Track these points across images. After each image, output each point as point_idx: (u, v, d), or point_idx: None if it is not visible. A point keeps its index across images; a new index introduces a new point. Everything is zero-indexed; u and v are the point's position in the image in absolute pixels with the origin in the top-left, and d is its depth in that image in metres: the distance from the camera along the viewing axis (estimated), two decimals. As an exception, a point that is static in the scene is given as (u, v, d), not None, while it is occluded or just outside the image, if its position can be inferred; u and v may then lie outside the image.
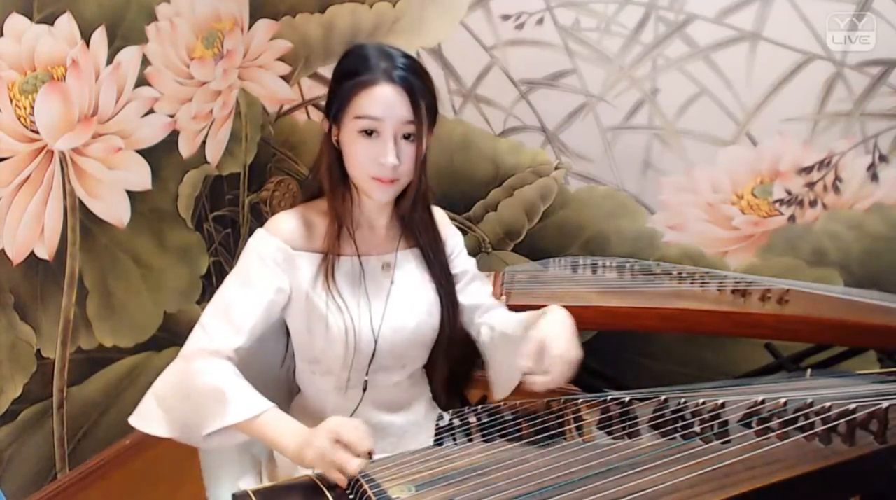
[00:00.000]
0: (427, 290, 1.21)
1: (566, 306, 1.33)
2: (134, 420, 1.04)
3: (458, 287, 1.28)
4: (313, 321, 1.13)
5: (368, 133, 1.06)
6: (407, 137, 1.08)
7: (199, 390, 1.00)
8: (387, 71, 1.06)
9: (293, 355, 1.24)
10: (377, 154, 1.06)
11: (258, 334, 1.09)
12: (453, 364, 1.28)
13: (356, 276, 1.16)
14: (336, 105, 1.09)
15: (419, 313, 1.19)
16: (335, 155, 1.13)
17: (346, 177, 1.14)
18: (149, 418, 1.03)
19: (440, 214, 1.28)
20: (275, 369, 1.29)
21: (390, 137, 1.06)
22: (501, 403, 1.10)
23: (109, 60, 1.91)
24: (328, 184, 1.14)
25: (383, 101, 1.05)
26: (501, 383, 1.22)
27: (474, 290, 1.30)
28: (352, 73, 1.07)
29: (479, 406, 1.10)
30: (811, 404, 1.03)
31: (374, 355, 1.15)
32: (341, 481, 0.87)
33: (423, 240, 1.22)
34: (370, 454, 0.90)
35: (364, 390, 1.17)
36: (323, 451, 0.88)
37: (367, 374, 1.16)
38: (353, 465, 0.86)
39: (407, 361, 1.21)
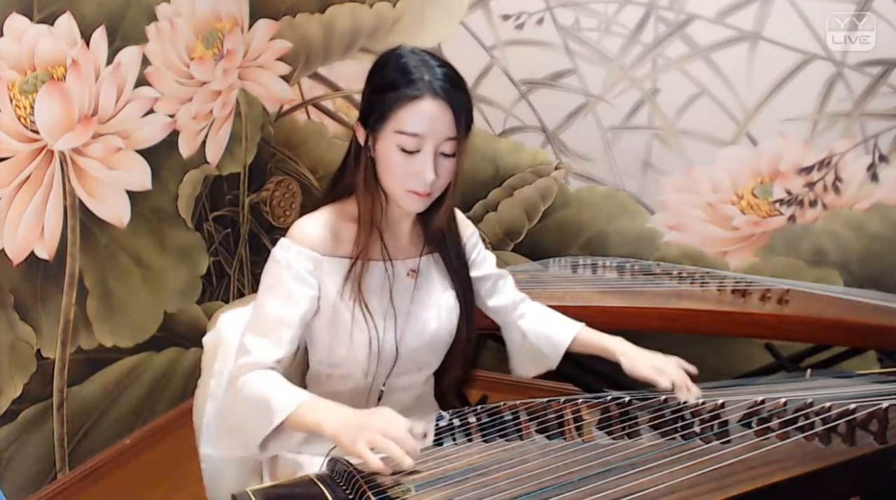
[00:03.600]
0: (447, 296, 1.21)
1: (566, 306, 1.34)
2: (206, 449, 1.14)
3: (486, 289, 1.30)
4: (338, 329, 1.12)
5: (409, 149, 1.04)
6: (445, 151, 1.06)
7: (246, 403, 1.02)
8: (430, 84, 1.02)
9: (303, 358, 1.24)
10: (417, 170, 1.04)
11: (296, 344, 1.10)
12: (467, 366, 1.30)
13: (384, 282, 1.15)
14: (375, 116, 1.06)
15: (440, 319, 1.19)
16: (370, 163, 1.10)
17: (377, 182, 1.11)
18: (217, 441, 1.13)
19: (457, 213, 1.27)
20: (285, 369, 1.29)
21: (430, 154, 1.04)
22: (501, 403, 1.11)
23: (109, 60, 1.91)
24: (362, 191, 1.11)
25: (426, 117, 1.02)
26: (524, 369, 1.37)
27: (502, 289, 1.33)
28: (392, 85, 1.04)
29: (479, 406, 1.10)
30: (811, 404, 1.03)
31: (395, 364, 1.15)
32: (383, 469, 0.87)
33: (446, 245, 1.21)
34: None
35: (379, 398, 1.18)
36: (359, 448, 0.88)
37: (384, 383, 1.17)
38: (407, 463, 0.86)
39: (423, 365, 1.22)
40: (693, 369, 1.19)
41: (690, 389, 1.14)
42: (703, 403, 1.07)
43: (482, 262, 1.30)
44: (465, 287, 1.23)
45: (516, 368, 1.37)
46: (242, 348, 1.07)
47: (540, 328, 1.32)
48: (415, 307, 1.17)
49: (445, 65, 1.06)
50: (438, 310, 1.19)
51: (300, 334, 1.10)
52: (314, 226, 1.12)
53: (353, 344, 1.12)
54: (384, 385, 1.17)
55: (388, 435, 0.88)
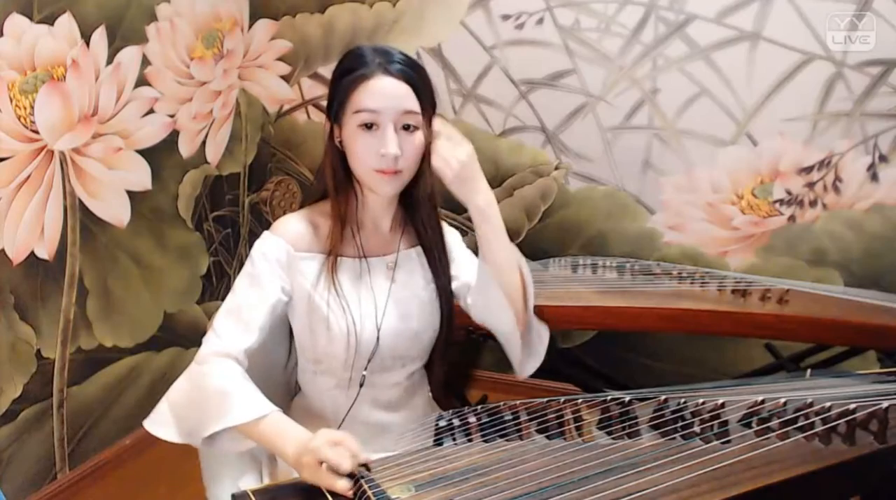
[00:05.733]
0: (429, 291, 1.21)
1: (566, 306, 1.33)
2: (148, 424, 1.06)
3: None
4: (315, 322, 1.13)
5: (368, 126, 1.08)
6: (406, 127, 1.09)
7: (205, 392, 1.01)
8: (381, 64, 1.08)
9: (296, 356, 1.25)
10: (378, 146, 1.07)
11: (268, 333, 1.11)
12: (451, 365, 1.28)
13: (359, 276, 1.16)
14: (336, 104, 1.11)
15: (421, 314, 1.19)
16: (338, 155, 1.14)
17: (350, 177, 1.14)
18: (161, 423, 1.05)
19: (454, 236, 1.28)
20: (278, 370, 1.29)
21: (390, 128, 1.07)
22: (501, 403, 1.11)
23: (109, 60, 1.91)
24: (331, 184, 1.14)
25: (380, 92, 1.07)
26: (512, 346, 1.20)
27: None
28: (348, 70, 1.09)
29: (479, 406, 1.10)
30: (811, 404, 1.03)
31: (374, 353, 1.15)
32: (343, 489, 0.87)
33: (428, 239, 1.21)
34: (367, 466, 0.90)
35: (361, 385, 1.17)
36: (311, 471, 0.89)
37: (364, 369, 1.16)
38: (340, 485, 0.86)
39: (407, 361, 1.21)
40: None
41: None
42: (703, 403, 1.07)
43: (470, 264, 1.26)
44: (445, 283, 1.22)
45: (508, 345, 1.23)
46: (213, 331, 1.09)
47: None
48: (394, 301, 1.17)
49: (403, 53, 1.11)
50: (420, 304, 1.19)
51: (270, 322, 1.11)
52: (294, 222, 1.15)
53: (331, 336, 1.13)
54: (365, 370, 1.16)
55: (320, 460, 0.88)
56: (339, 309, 1.12)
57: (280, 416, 0.99)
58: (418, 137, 1.10)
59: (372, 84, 1.07)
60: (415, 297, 1.19)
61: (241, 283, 1.12)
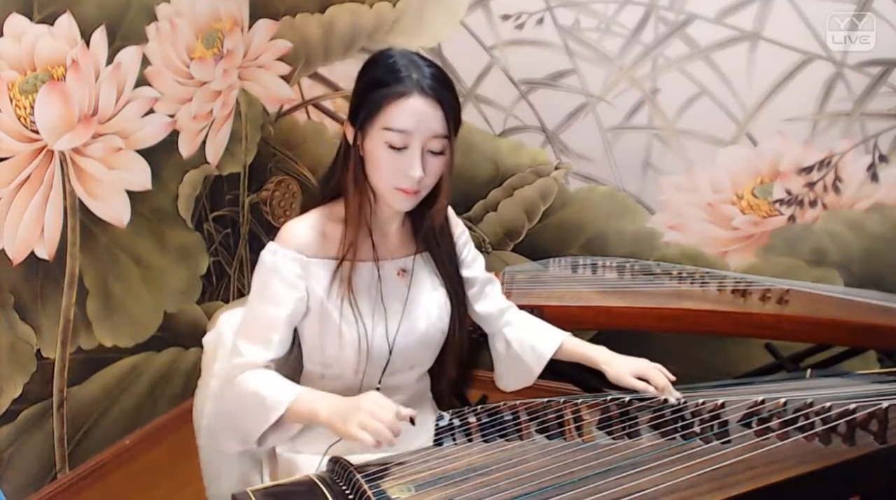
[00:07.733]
0: (439, 294, 1.21)
1: (566, 306, 1.35)
2: (204, 443, 1.16)
3: (473, 292, 1.30)
4: (326, 328, 1.13)
5: (397, 145, 1.05)
6: (432, 150, 1.06)
7: (243, 401, 1.06)
8: (418, 82, 1.04)
9: (298, 357, 1.24)
10: (405, 167, 1.05)
11: (287, 345, 1.14)
12: (460, 365, 1.29)
13: (373, 282, 1.15)
14: (364, 114, 1.07)
15: (430, 317, 1.19)
16: (359, 160, 1.11)
17: (366, 181, 1.12)
18: (217, 438, 1.14)
19: (449, 211, 1.28)
20: (280, 369, 1.29)
21: (418, 151, 1.05)
22: (501, 403, 1.11)
23: (109, 60, 1.91)
24: (351, 190, 1.12)
25: (414, 113, 1.04)
26: (505, 381, 1.36)
27: (489, 294, 1.32)
28: (381, 82, 1.05)
29: (479, 406, 1.10)
30: (811, 404, 1.03)
31: (388, 363, 1.16)
32: (374, 444, 0.91)
33: (437, 245, 1.21)
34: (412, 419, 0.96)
35: None
36: (363, 414, 0.93)
37: (379, 382, 1.17)
38: (388, 437, 0.91)
39: (415, 363, 1.22)
40: (670, 376, 1.20)
41: (672, 392, 1.16)
42: (703, 403, 1.07)
43: (472, 263, 1.30)
44: (455, 286, 1.23)
45: (499, 380, 1.37)
46: (235, 351, 1.11)
47: (524, 337, 1.31)
48: (406, 307, 1.17)
49: (433, 65, 1.08)
50: (429, 309, 1.19)
51: (290, 334, 1.13)
52: (301, 228, 1.13)
53: (342, 343, 1.12)
54: (380, 383, 1.17)
55: (375, 417, 0.92)
56: (350, 318, 1.12)
57: (306, 391, 1.05)
58: (442, 159, 1.08)
59: (406, 104, 1.03)
60: (425, 301, 1.19)
61: (255, 300, 1.13)
